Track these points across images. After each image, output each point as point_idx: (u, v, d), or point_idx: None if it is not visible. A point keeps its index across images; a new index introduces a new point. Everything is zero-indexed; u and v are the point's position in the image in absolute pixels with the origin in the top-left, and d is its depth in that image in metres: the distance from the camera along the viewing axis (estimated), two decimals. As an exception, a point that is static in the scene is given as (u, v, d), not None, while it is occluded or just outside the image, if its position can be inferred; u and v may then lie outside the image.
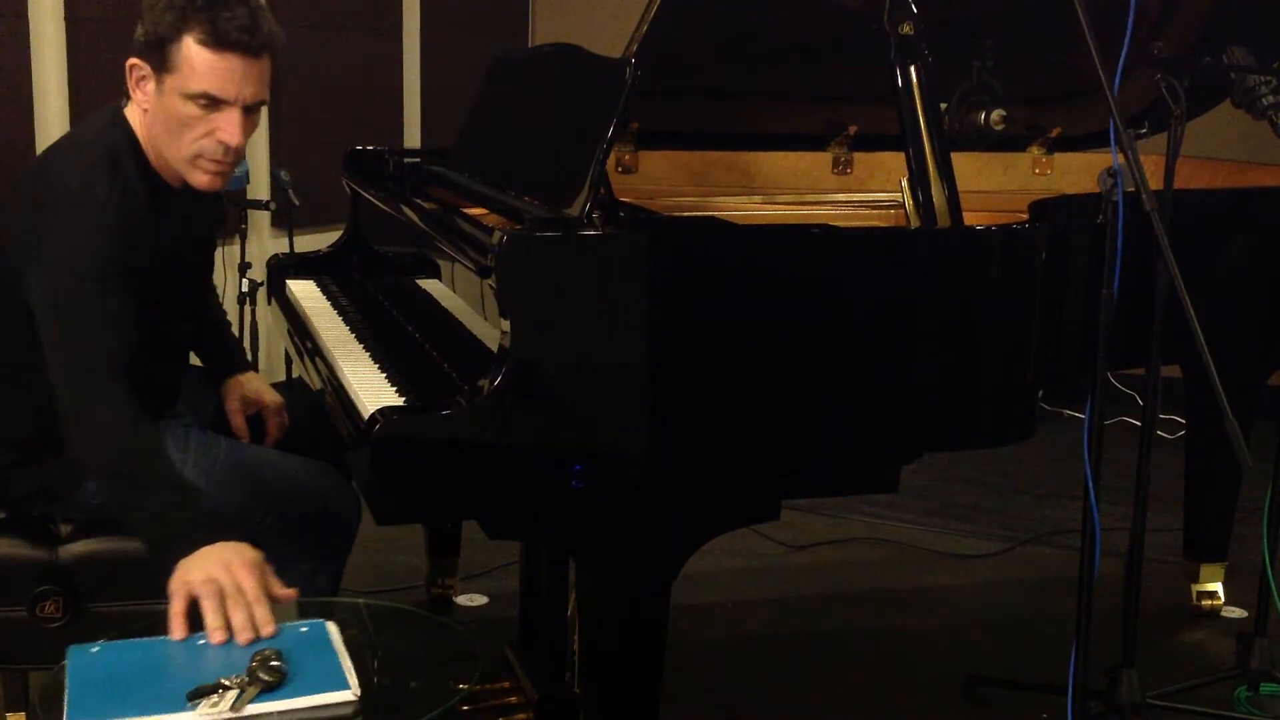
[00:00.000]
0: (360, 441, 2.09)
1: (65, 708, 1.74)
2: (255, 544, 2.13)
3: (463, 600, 3.49)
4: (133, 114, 2.24)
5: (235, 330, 4.19)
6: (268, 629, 1.86)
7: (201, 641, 1.89)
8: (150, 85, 2.17)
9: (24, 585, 2.31)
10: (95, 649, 1.90)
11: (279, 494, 2.36)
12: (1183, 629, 3.46)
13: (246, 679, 1.76)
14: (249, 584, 1.89)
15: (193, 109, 2.14)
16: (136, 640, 1.93)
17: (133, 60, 2.17)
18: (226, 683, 1.75)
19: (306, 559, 2.37)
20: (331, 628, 1.92)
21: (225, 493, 2.32)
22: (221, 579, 1.88)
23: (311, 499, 2.39)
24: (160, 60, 2.13)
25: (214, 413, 2.62)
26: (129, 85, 2.20)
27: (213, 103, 2.14)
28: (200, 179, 2.21)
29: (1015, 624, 3.51)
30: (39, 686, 1.93)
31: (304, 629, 1.92)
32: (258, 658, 1.79)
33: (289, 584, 2.12)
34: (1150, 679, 2.78)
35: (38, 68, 4.19)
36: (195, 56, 2.11)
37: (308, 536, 2.37)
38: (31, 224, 2.17)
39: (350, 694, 1.76)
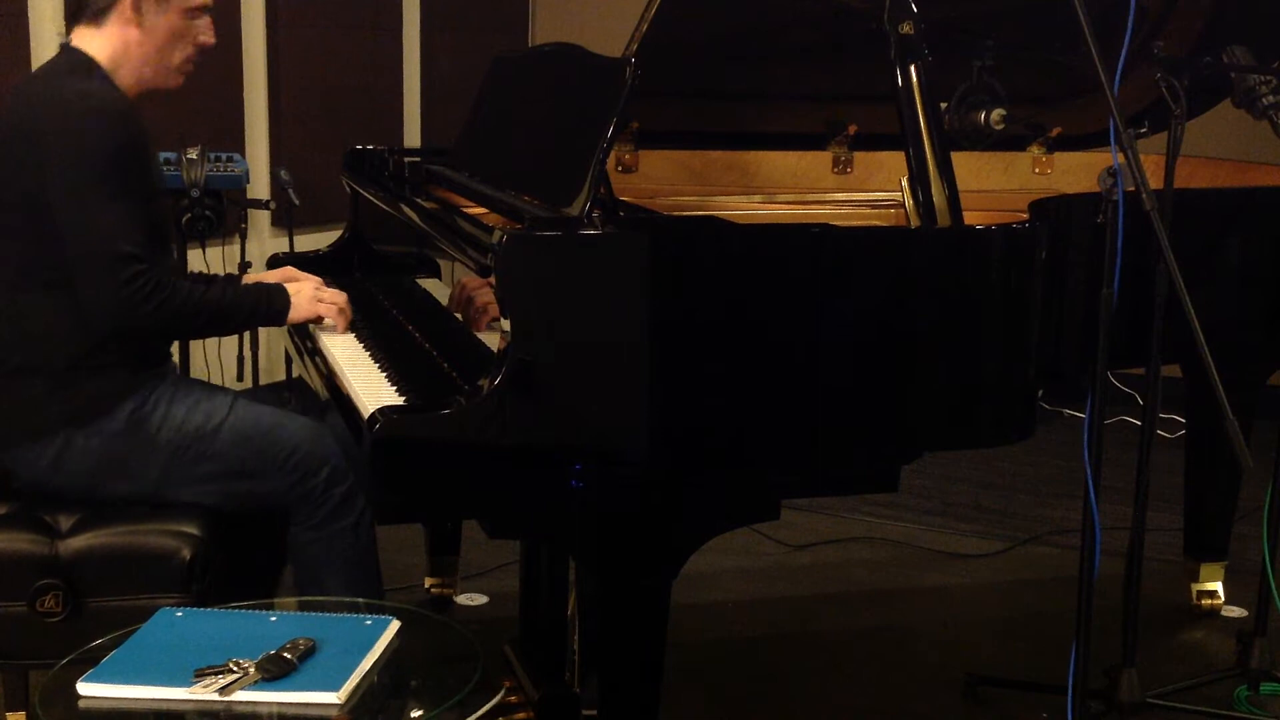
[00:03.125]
0: (360, 440, 2.10)
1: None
2: (290, 513, 2.45)
3: (463, 600, 3.49)
4: (90, 44, 2.47)
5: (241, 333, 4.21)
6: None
7: (274, 618, 1.99)
8: (152, 6, 2.46)
9: (24, 580, 2.31)
10: (180, 614, 2.03)
11: (291, 451, 2.44)
12: (1183, 629, 3.46)
13: (252, 665, 1.80)
14: (326, 294, 2.66)
15: (185, 21, 2.50)
16: (220, 610, 2.04)
17: None
18: (234, 666, 1.79)
19: (343, 517, 2.46)
20: (390, 628, 1.97)
21: (239, 449, 2.44)
22: (317, 301, 2.63)
23: (323, 457, 2.45)
24: None
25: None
26: (123, 12, 2.44)
27: (202, 12, 2.53)
28: (179, 81, 2.55)
29: (1015, 624, 3.51)
30: (39, 686, 1.93)
31: (368, 622, 1.98)
32: (287, 645, 1.84)
33: (334, 547, 2.44)
34: (1150, 678, 2.78)
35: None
36: None
37: (334, 496, 2.45)
38: (52, 145, 2.34)
39: (334, 697, 1.77)
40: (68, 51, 2.49)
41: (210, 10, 2.54)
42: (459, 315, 2.51)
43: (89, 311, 2.36)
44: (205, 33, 2.54)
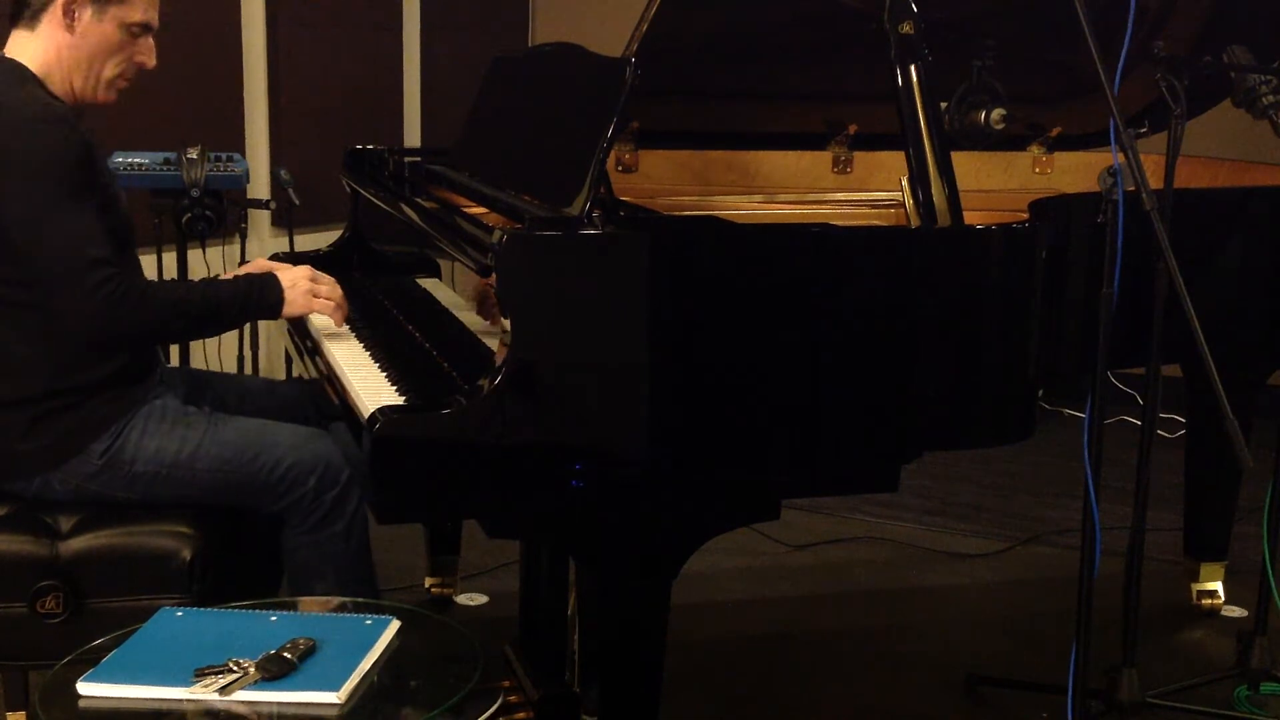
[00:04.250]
0: (359, 440, 2.09)
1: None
2: (280, 520, 2.41)
3: (463, 600, 3.49)
4: (24, 51, 2.42)
5: (235, 329, 4.20)
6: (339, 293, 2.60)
7: (274, 618, 1.98)
8: (87, 13, 2.40)
9: (24, 580, 2.31)
10: (180, 614, 2.02)
11: (274, 465, 2.41)
12: (1183, 628, 3.46)
13: (252, 665, 1.81)
14: (322, 289, 2.56)
15: (124, 36, 2.44)
16: (220, 610, 2.03)
17: None
18: (234, 665, 1.79)
19: (334, 522, 2.43)
20: (390, 628, 1.97)
21: (221, 472, 2.41)
22: (312, 297, 2.54)
23: (311, 465, 2.42)
24: None
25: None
26: (55, 14, 2.39)
27: (143, 31, 2.46)
28: (110, 96, 2.49)
29: (1015, 624, 3.51)
30: (39, 686, 1.93)
31: (368, 622, 1.98)
32: (287, 645, 1.84)
33: (326, 551, 2.41)
34: (1150, 678, 2.78)
35: None
36: None
37: (325, 502, 2.42)
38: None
39: (334, 697, 1.77)
40: (5, 64, 2.42)
41: (153, 30, 2.47)
42: (472, 310, 2.50)
43: (67, 324, 2.30)
44: (145, 53, 2.47)
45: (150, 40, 2.48)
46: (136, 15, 2.43)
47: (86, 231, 2.29)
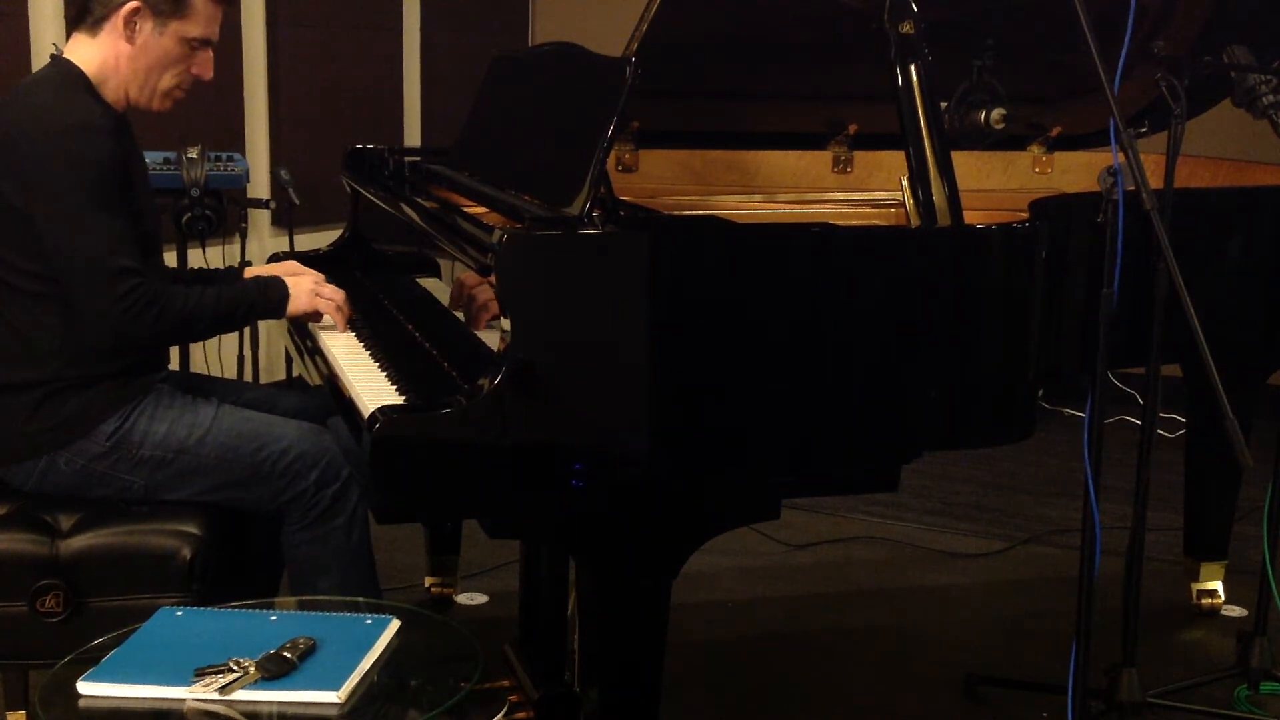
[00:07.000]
0: (359, 440, 2.10)
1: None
2: (283, 515, 2.45)
3: (463, 600, 3.49)
4: (81, 54, 2.45)
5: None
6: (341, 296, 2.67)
7: (274, 618, 1.99)
8: (148, 26, 2.43)
9: (24, 580, 2.31)
10: (180, 613, 2.03)
11: (278, 458, 2.43)
12: (1183, 628, 3.46)
13: (252, 665, 1.81)
14: (325, 290, 2.65)
15: (185, 50, 2.47)
16: (220, 610, 2.04)
17: (135, 4, 2.41)
18: (234, 665, 1.80)
19: (335, 517, 2.46)
20: (390, 628, 1.97)
21: (226, 460, 2.44)
22: (316, 295, 2.62)
23: (313, 459, 2.45)
24: (173, 7, 2.43)
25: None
26: (116, 24, 2.42)
27: (202, 45, 2.49)
28: (165, 106, 2.52)
29: (1015, 624, 3.51)
30: (39, 685, 1.93)
31: (368, 622, 1.98)
32: (287, 644, 1.85)
33: (327, 546, 2.45)
34: (1150, 678, 2.78)
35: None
36: (205, 8, 2.46)
37: (325, 497, 2.45)
38: (33, 163, 2.33)
39: (334, 696, 1.77)
40: (56, 63, 2.47)
41: (213, 44, 2.51)
42: (459, 314, 2.51)
43: (90, 327, 2.35)
44: (202, 66, 2.51)
45: (209, 53, 2.51)
46: (196, 31, 2.46)
47: (114, 240, 2.33)
